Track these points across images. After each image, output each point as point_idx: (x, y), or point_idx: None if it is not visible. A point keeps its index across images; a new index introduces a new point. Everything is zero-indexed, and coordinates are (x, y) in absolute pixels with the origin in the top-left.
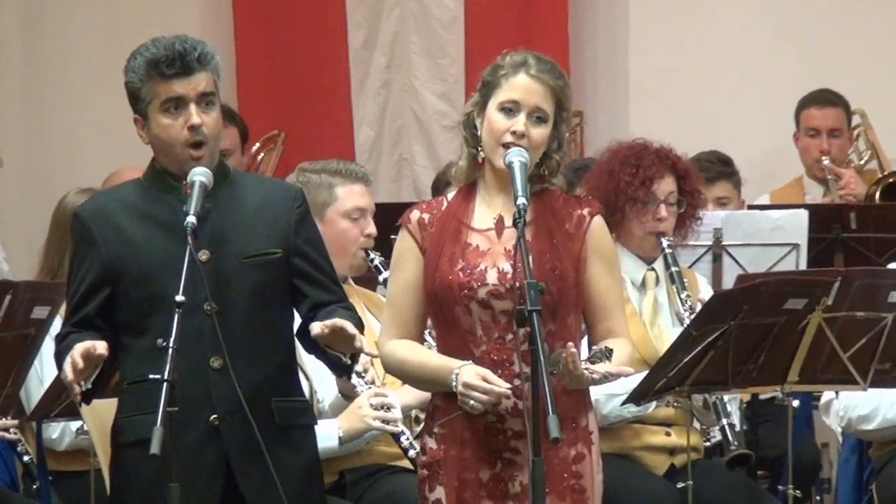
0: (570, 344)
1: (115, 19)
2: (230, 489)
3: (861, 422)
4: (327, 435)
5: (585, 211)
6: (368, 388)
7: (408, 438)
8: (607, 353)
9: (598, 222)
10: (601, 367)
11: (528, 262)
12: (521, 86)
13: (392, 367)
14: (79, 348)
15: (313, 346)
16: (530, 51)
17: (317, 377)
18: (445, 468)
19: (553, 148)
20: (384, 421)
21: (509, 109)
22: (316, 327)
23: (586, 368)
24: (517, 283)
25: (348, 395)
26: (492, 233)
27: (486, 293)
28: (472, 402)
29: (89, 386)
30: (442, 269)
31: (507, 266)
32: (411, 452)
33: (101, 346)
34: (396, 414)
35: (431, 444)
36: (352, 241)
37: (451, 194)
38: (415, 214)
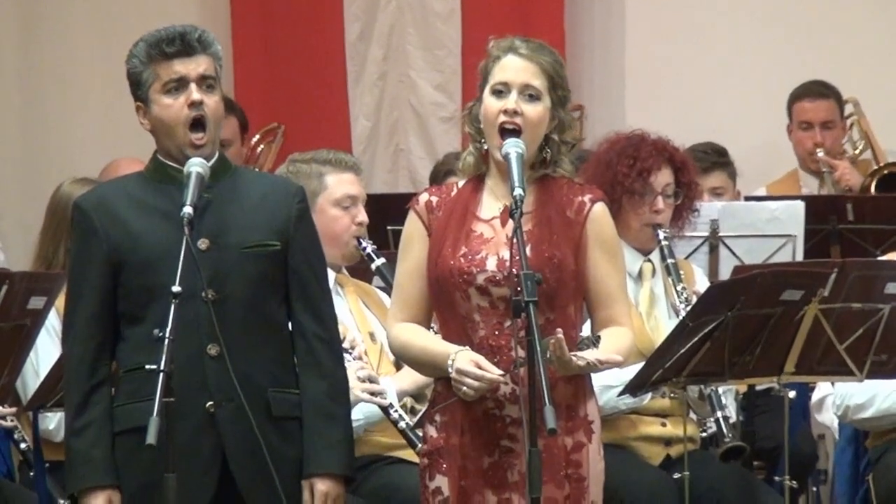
0: (559, 330)
1: (113, 10)
2: (225, 477)
3: (857, 410)
4: None
5: (587, 197)
6: (355, 361)
7: (396, 411)
8: (594, 340)
9: (600, 209)
10: (588, 354)
11: (525, 252)
12: (509, 66)
13: (396, 350)
14: None
15: None
16: (518, 36)
17: None
18: (446, 457)
19: (554, 130)
20: (372, 393)
21: (500, 91)
22: None
23: (574, 355)
24: (514, 271)
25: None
26: (496, 221)
27: (485, 280)
28: (464, 388)
29: None
30: (444, 255)
31: (507, 254)
32: (401, 424)
33: None
34: (383, 387)
35: (432, 432)
36: (343, 229)
37: (461, 182)
38: (423, 197)
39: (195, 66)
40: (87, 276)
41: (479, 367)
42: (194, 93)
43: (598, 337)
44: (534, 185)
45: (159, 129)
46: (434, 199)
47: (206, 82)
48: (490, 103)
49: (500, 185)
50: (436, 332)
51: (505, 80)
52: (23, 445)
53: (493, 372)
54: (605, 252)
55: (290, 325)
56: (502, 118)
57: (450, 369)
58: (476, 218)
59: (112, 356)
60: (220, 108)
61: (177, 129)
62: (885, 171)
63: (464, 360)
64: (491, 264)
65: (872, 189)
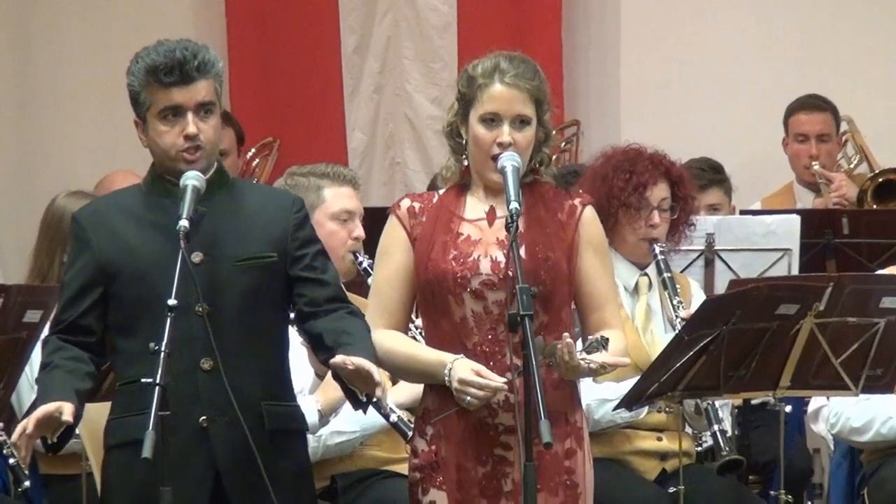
0: (566, 334)
1: (108, 26)
2: (219, 492)
3: (854, 433)
4: (307, 411)
5: (577, 201)
6: None
7: (386, 403)
8: (603, 343)
9: (590, 212)
10: (598, 357)
11: (520, 264)
12: (498, 96)
13: (379, 358)
14: (40, 411)
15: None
16: (500, 53)
17: (291, 367)
18: (441, 470)
19: (541, 141)
20: None
21: (491, 120)
22: (339, 359)
23: (583, 359)
24: (510, 273)
25: (324, 375)
26: (483, 222)
27: (480, 283)
28: (468, 398)
29: (54, 440)
30: (434, 258)
31: (499, 255)
32: (393, 417)
33: (67, 412)
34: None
35: (423, 446)
36: (339, 243)
37: (441, 190)
38: (405, 203)
39: (192, 94)
40: (76, 285)
41: (481, 376)
42: (190, 125)
43: (607, 339)
44: (522, 189)
45: (155, 150)
46: (416, 204)
47: (204, 108)
48: (481, 132)
49: (485, 194)
50: (415, 338)
51: (495, 110)
52: (11, 461)
53: (495, 379)
54: (596, 254)
55: (286, 335)
56: (496, 150)
57: (447, 378)
58: (461, 219)
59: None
60: (217, 129)
61: (171, 154)
62: (881, 179)
63: (464, 369)
64: (485, 266)
65: (869, 195)
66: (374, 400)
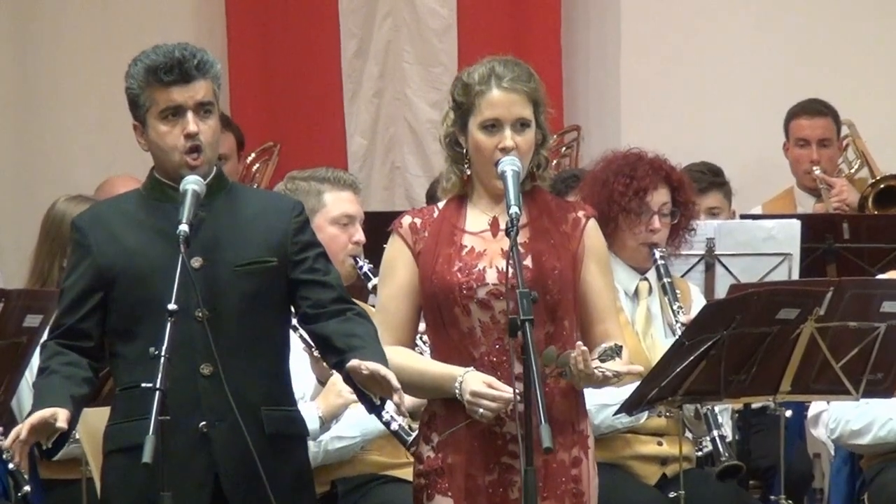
0: (580, 343)
1: (108, 26)
2: (219, 497)
3: (853, 436)
4: (308, 418)
5: (580, 213)
6: None
7: (387, 412)
8: (617, 351)
9: (594, 225)
10: (612, 366)
11: (522, 269)
12: (497, 102)
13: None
14: (35, 417)
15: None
16: (493, 58)
17: (292, 373)
18: (447, 477)
19: (538, 143)
20: None
21: (492, 126)
22: (354, 363)
23: (596, 367)
24: (514, 282)
25: (326, 381)
26: (487, 234)
27: (486, 293)
28: (481, 410)
29: (49, 446)
30: (439, 271)
31: (505, 265)
32: (394, 425)
33: (61, 418)
34: None
35: (429, 452)
36: (340, 247)
37: (441, 203)
38: (406, 219)
39: (192, 93)
40: (76, 291)
41: (492, 388)
42: (190, 124)
43: (621, 347)
44: (524, 198)
45: (155, 151)
46: (417, 220)
47: (203, 108)
48: (482, 139)
49: (487, 202)
50: (421, 353)
51: (496, 116)
52: (11, 466)
53: (507, 390)
54: (599, 266)
55: (286, 339)
56: (498, 155)
57: (457, 392)
58: (464, 232)
59: (70, 421)
60: (216, 131)
61: (172, 155)
62: (882, 185)
63: (476, 381)
64: (491, 276)
65: (870, 202)
66: (395, 405)
